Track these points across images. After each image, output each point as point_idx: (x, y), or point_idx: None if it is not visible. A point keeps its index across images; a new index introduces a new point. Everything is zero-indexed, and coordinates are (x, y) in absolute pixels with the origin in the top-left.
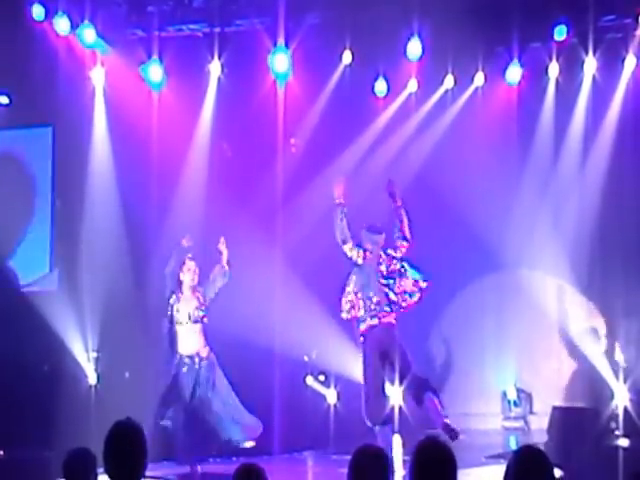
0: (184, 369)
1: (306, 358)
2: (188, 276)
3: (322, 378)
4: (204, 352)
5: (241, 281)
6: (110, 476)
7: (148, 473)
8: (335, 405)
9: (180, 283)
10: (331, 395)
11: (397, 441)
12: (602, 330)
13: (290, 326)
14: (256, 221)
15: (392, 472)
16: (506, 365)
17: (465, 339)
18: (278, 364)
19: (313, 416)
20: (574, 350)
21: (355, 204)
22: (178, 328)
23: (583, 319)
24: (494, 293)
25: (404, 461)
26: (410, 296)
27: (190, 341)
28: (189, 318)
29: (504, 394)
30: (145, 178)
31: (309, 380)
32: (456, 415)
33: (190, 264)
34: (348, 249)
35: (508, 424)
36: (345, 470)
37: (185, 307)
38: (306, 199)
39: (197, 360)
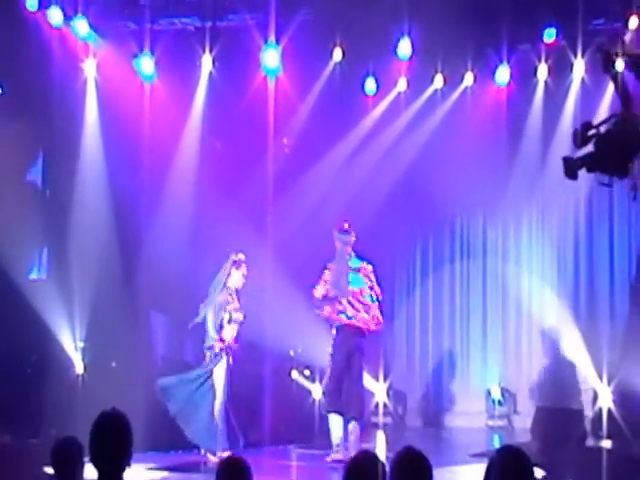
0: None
1: (292, 352)
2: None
3: (307, 373)
4: (234, 346)
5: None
6: (96, 465)
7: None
8: (320, 400)
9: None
10: (316, 390)
11: (381, 438)
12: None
13: (277, 320)
14: (246, 215)
15: (386, 477)
16: (491, 364)
17: (450, 338)
18: (267, 358)
19: (298, 410)
20: (556, 351)
21: (343, 201)
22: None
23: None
24: (479, 293)
25: (387, 458)
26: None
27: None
28: (231, 319)
29: (488, 393)
30: (136, 169)
31: (294, 374)
32: (441, 413)
33: (238, 272)
34: None
35: (492, 423)
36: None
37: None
38: (296, 194)
39: (230, 352)
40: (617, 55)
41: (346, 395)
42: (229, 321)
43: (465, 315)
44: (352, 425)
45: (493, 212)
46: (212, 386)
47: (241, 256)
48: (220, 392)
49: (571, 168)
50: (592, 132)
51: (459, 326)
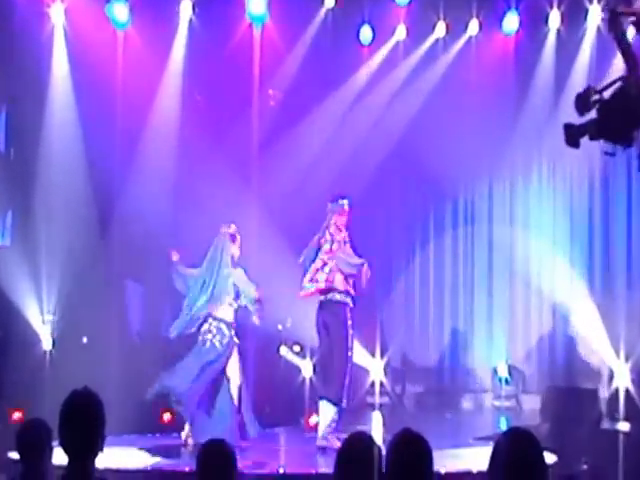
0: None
1: (280, 327)
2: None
3: (297, 349)
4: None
5: (212, 239)
6: (66, 450)
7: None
8: (311, 378)
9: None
10: (306, 367)
11: (377, 419)
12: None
13: (263, 290)
14: (230, 175)
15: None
16: (497, 340)
17: (453, 311)
18: (252, 332)
19: (286, 390)
20: (569, 325)
21: (336, 160)
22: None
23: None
24: (485, 260)
25: (384, 441)
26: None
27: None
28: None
29: (495, 371)
30: (110, 125)
31: (283, 350)
32: (443, 392)
33: (235, 246)
34: None
35: (499, 403)
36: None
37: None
38: (284, 153)
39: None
40: (624, 14)
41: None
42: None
43: (469, 285)
44: (321, 405)
45: (499, 172)
46: (229, 380)
47: (233, 227)
48: (237, 377)
49: (572, 136)
50: (595, 97)
51: (462, 297)
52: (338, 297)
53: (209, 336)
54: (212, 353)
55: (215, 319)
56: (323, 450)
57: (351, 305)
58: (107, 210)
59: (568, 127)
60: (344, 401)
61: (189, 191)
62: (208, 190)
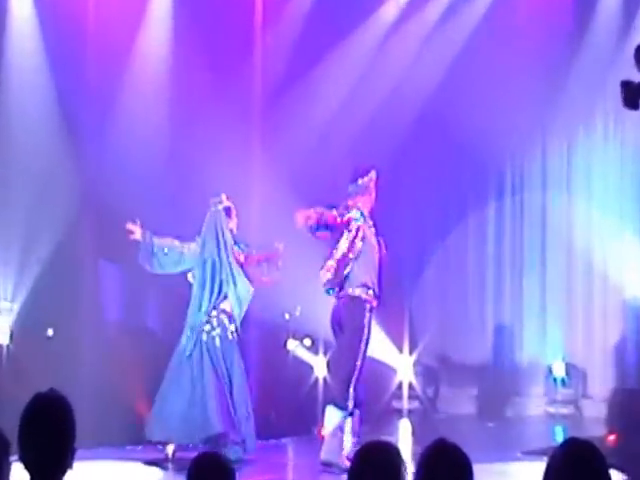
0: None
1: (287, 316)
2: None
3: (308, 343)
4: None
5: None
6: (27, 466)
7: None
8: (324, 378)
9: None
10: (319, 365)
11: (405, 427)
12: None
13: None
14: (230, 131)
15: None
16: (552, 333)
17: (497, 298)
18: (254, 323)
19: (296, 392)
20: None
21: (356, 120)
22: None
23: None
24: (537, 238)
25: (413, 454)
26: None
27: None
28: None
29: (549, 370)
30: (84, 70)
31: (291, 345)
32: (485, 396)
33: (233, 221)
34: None
35: (554, 409)
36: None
37: None
38: (292, 108)
39: None
40: None
41: None
42: None
43: (517, 267)
44: (327, 410)
45: (554, 127)
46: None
47: (224, 198)
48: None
49: (631, 95)
50: None
51: (509, 282)
52: (358, 292)
53: (207, 328)
54: (211, 352)
55: (215, 309)
56: (328, 466)
57: (373, 302)
58: (79, 175)
59: (626, 85)
60: (350, 404)
61: (180, 153)
62: (203, 152)
